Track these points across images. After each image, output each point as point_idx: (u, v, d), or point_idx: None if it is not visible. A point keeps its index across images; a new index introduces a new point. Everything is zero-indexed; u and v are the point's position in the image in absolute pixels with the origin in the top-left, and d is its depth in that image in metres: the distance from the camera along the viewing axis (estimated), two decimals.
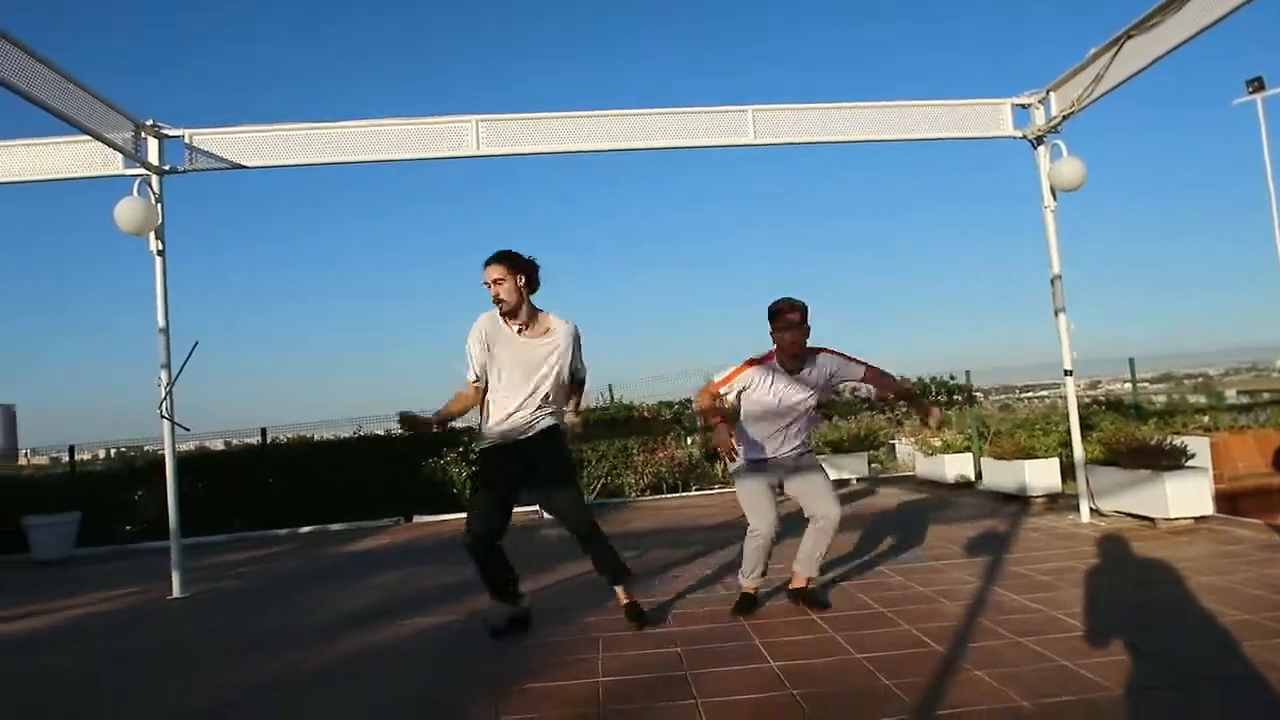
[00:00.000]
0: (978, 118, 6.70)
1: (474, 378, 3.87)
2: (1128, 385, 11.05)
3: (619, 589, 4.02)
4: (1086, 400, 11.44)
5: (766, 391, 3.98)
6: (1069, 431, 6.55)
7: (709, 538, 6.52)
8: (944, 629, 3.56)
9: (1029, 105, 6.60)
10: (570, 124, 6.38)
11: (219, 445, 12.79)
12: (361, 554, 7.33)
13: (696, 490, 10.69)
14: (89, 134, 5.37)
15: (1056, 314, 6.37)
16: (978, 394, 12.62)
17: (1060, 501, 7.20)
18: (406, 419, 3.79)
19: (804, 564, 4.06)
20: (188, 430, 5.95)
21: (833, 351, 4.06)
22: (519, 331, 3.83)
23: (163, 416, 5.73)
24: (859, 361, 4.08)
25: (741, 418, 4.15)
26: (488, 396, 3.87)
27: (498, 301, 3.78)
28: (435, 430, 4.02)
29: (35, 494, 10.04)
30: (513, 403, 3.80)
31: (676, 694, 2.98)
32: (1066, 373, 6.40)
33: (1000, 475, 7.90)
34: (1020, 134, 6.60)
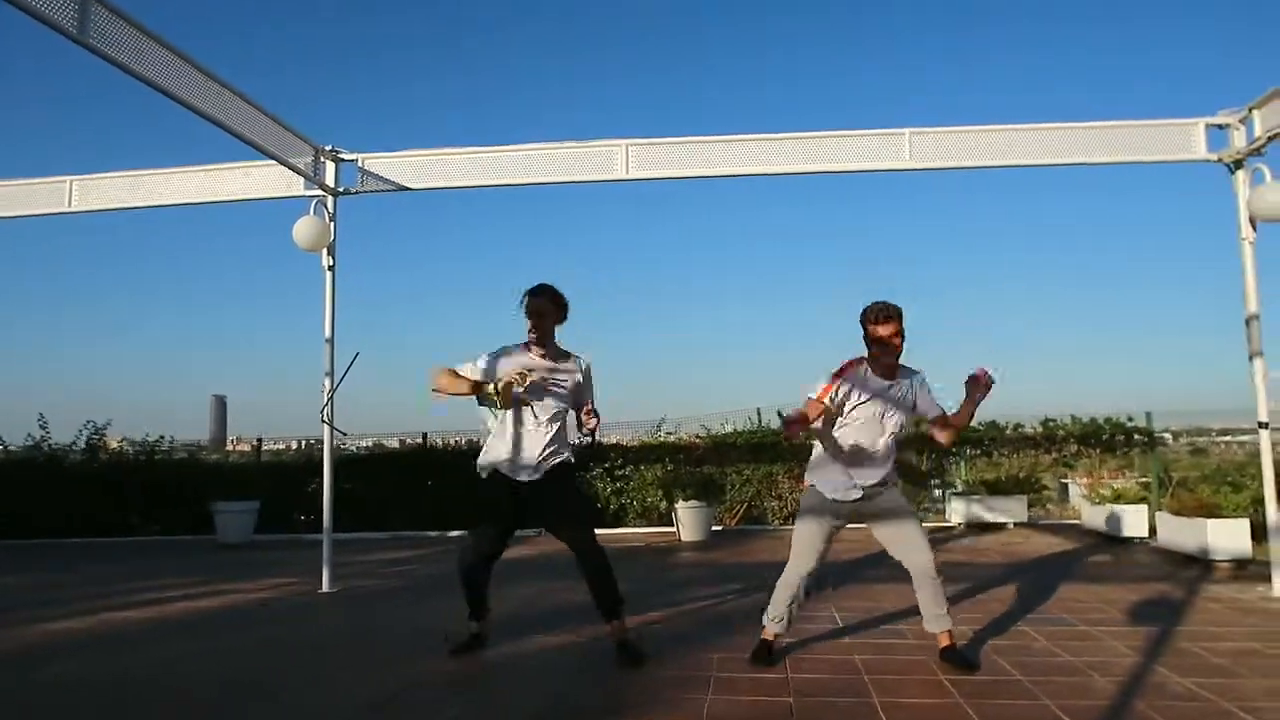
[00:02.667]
0: (1166, 139, 6.14)
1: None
2: None
3: (613, 623, 4.01)
4: None
5: (863, 399, 3.74)
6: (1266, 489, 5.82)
7: (845, 573, 6.26)
8: (1089, 709, 3.22)
9: (1226, 126, 5.97)
10: (719, 149, 6.35)
11: (394, 444, 13.75)
12: (501, 563, 7.58)
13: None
14: (275, 159, 5.87)
15: (1251, 358, 5.69)
16: (1164, 435, 11.53)
17: (1249, 569, 6.40)
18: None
19: (932, 621, 3.82)
20: (345, 435, 6.36)
21: (925, 380, 3.86)
22: (541, 357, 3.99)
23: (323, 421, 6.15)
24: (938, 405, 3.87)
25: (823, 439, 3.90)
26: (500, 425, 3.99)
27: (534, 330, 3.94)
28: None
29: (226, 481, 11.05)
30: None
31: None
32: (1261, 425, 5.71)
33: (1178, 533, 7.15)
34: (1215, 157, 5.97)
